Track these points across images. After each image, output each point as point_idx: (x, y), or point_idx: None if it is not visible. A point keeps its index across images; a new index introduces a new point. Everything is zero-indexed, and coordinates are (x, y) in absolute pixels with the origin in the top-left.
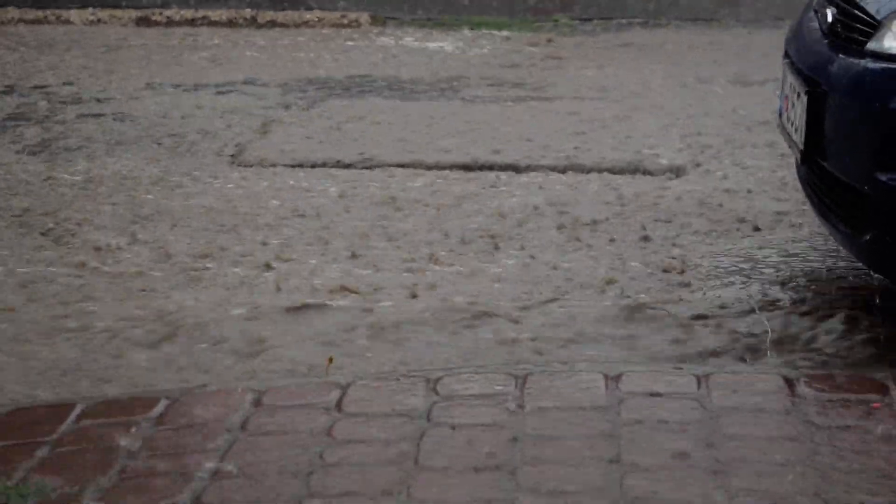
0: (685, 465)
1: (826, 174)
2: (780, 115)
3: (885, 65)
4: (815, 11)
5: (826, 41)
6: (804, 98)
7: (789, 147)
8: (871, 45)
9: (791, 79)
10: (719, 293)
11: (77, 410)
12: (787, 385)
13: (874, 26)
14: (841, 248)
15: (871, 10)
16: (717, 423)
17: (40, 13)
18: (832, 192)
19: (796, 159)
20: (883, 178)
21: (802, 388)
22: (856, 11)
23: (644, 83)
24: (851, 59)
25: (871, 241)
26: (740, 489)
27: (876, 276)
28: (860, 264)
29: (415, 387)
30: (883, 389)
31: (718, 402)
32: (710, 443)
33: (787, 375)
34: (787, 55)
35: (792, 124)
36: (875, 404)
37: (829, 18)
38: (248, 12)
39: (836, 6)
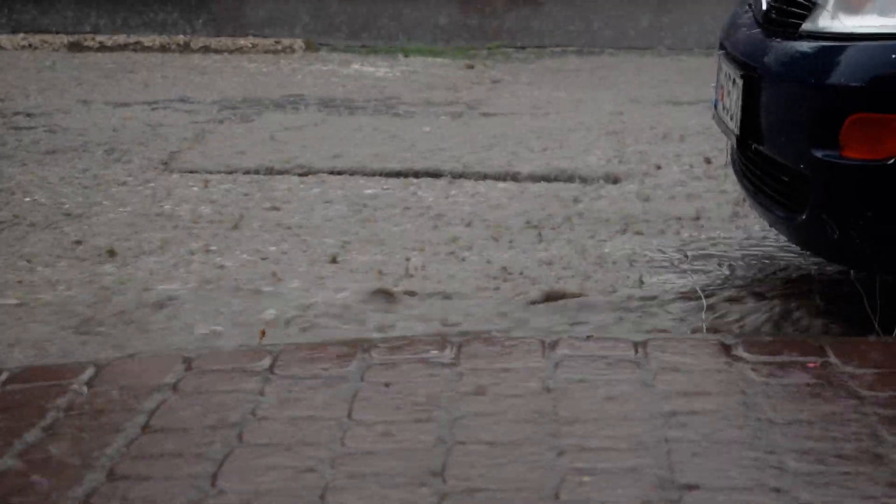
0: (620, 411)
1: (762, 158)
2: (716, 106)
3: (819, 43)
4: (749, 5)
5: (760, 29)
6: (739, 83)
7: (724, 134)
8: (806, 26)
9: (726, 68)
10: (656, 281)
11: (3, 377)
12: (725, 349)
13: (809, 8)
14: (777, 233)
15: None
16: (653, 379)
17: None
18: (768, 176)
19: (731, 149)
20: (819, 154)
21: (740, 352)
22: None
23: (578, 102)
24: (786, 42)
25: (806, 220)
26: (678, 436)
27: (811, 259)
28: (795, 251)
29: (349, 353)
30: (820, 352)
31: (655, 364)
32: (646, 400)
33: (725, 342)
34: (721, 47)
35: (727, 112)
36: (810, 363)
37: (764, 6)
38: (181, 38)
39: None
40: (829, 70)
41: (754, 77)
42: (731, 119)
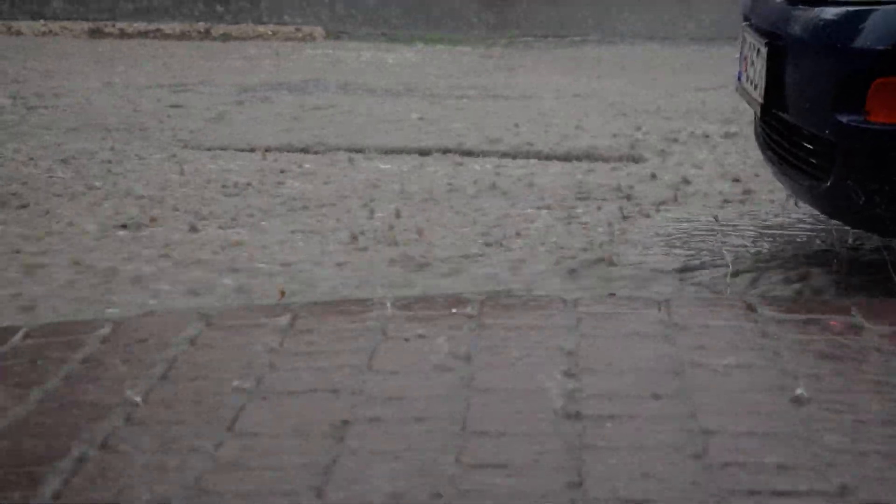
0: (639, 362)
1: (786, 127)
2: (739, 78)
3: (844, 9)
4: None
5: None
6: (764, 51)
7: (748, 105)
8: None
9: (750, 38)
10: (678, 252)
11: (21, 332)
12: (748, 307)
13: None
14: (802, 203)
15: None
16: (675, 334)
17: None
18: (792, 144)
19: (755, 119)
20: (844, 119)
21: (763, 310)
22: None
23: (599, 87)
24: (811, 8)
25: (831, 187)
26: (700, 386)
27: (836, 226)
28: (820, 219)
29: (369, 309)
30: (845, 311)
31: (679, 320)
32: (672, 353)
33: (748, 301)
34: (745, 18)
35: (751, 82)
36: (833, 322)
37: None
38: (201, 25)
39: None
40: (854, 35)
41: (779, 45)
42: (756, 88)
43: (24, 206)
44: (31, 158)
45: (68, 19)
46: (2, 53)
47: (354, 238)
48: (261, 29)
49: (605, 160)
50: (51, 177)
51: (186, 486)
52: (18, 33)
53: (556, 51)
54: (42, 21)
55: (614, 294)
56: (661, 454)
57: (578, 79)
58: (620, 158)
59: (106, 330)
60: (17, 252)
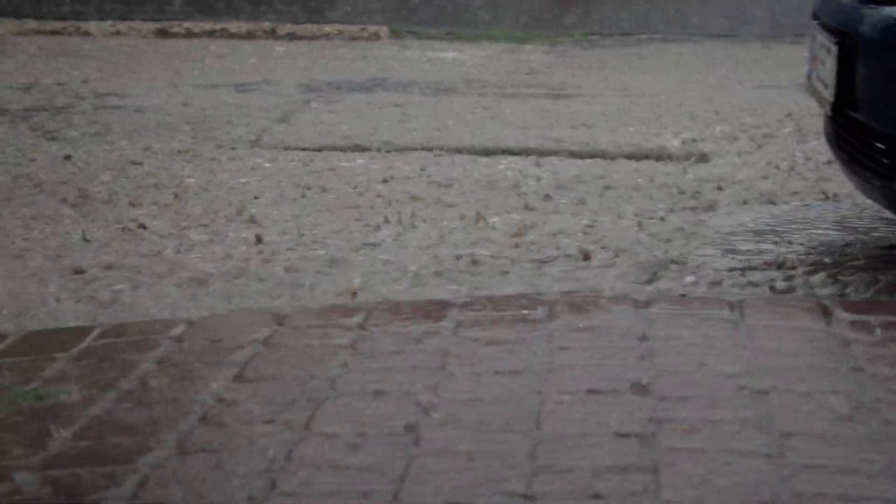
0: (714, 364)
1: (856, 126)
2: (809, 76)
3: None
4: None
5: None
6: (834, 50)
7: (818, 104)
8: None
9: (821, 37)
10: (748, 248)
11: (95, 332)
12: (821, 308)
13: None
14: (871, 202)
15: None
16: (748, 336)
17: (59, 24)
18: (863, 143)
19: (825, 118)
20: None
21: (836, 312)
22: None
23: (664, 86)
24: (882, 7)
25: None
26: (775, 388)
27: None
28: (889, 218)
29: (442, 310)
30: None
31: (752, 321)
32: (745, 355)
33: (821, 302)
34: (815, 17)
35: (821, 81)
36: None
37: None
38: (267, 25)
39: None
40: None
41: (849, 44)
42: (826, 87)
43: (89, 204)
44: (101, 158)
45: (135, 19)
46: (71, 54)
47: (442, 237)
48: (326, 28)
49: (673, 159)
50: (121, 176)
51: (262, 486)
52: (87, 34)
53: (623, 49)
54: (110, 22)
55: (686, 295)
56: (737, 457)
57: (644, 77)
58: (688, 157)
59: (180, 330)
60: (94, 250)
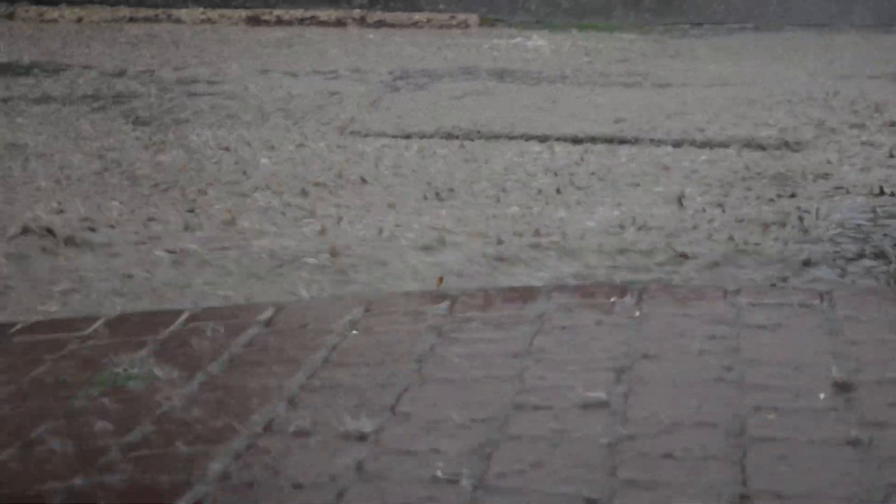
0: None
1: None
2: None
3: None
4: None
5: None
6: None
7: None
8: None
9: None
10: (844, 239)
11: (185, 315)
12: None
13: None
14: None
15: None
16: (838, 327)
17: (151, 12)
18: None
19: None
20: None
21: None
22: None
23: (757, 74)
24: None
25: None
26: (865, 378)
27: None
28: None
29: (528, 297)
30: None
31: (843, 311)
32: (833, 346)
33: None
34: None
35: None
36: None
37: None
38: (356, 13)
39: None
40: None
41: None
42: None
43: (196, 196)
44: (192, 145)
45: (226, 7)
46: (163, 41)
47: (537, 232)
48: (416, 16)
49: (765, 148)
50: (214, 162)
51: (349, 469)
52: (178, 21)
53: (714, 38)
54: (201, 9)
55: (775, 284)
56: (826, 448)
57: (736, 66)
58: (780, 146)
59: (269, 314)
60: (184, 235)
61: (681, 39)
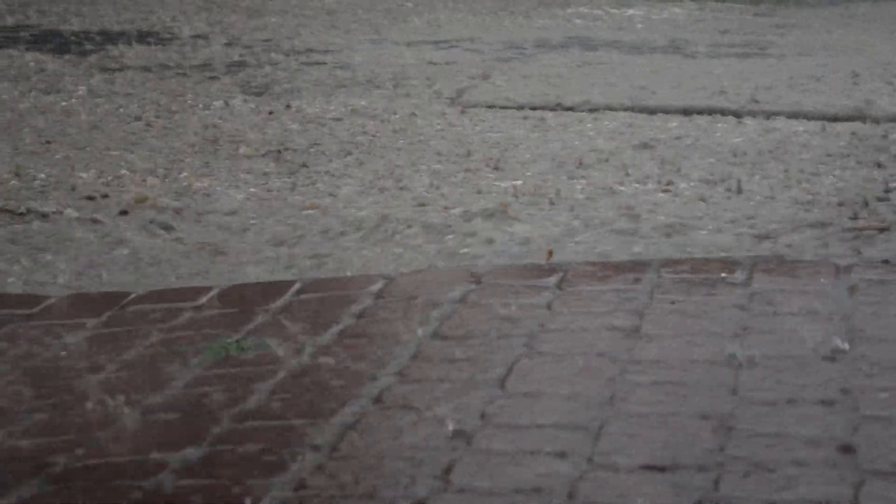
0: None
1: None
2: None
3: None
4: None
5: None
6: None
7: None
8: None
9: None
10: None
11: (296, 287)
12: None
13: None
14: None
15: None
16: None
17: None
18: None
19: None
20: None
21: None
22: None
23: (871, 45)
24: None
25: None
26: None
27: None
28: None
29: (639, 271)
30: None
31: None
32: None
33: None
34: None
35: None
36: None
37: None
38: None
39: None
40: None
41: None
42: None
43: (303, 165)
44: (304, 114)
45: None
46: (274, 11)
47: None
48: None
49: (876, 121)
50: (324, 133)
51: (455, 442)
52: None
53: (830, 8)
54: None
55: (888, 261)
56: None
57: (848, 36)
58: (891, 119)
59: (379, 286)
60: (292, 205)
61: (796, 10)
